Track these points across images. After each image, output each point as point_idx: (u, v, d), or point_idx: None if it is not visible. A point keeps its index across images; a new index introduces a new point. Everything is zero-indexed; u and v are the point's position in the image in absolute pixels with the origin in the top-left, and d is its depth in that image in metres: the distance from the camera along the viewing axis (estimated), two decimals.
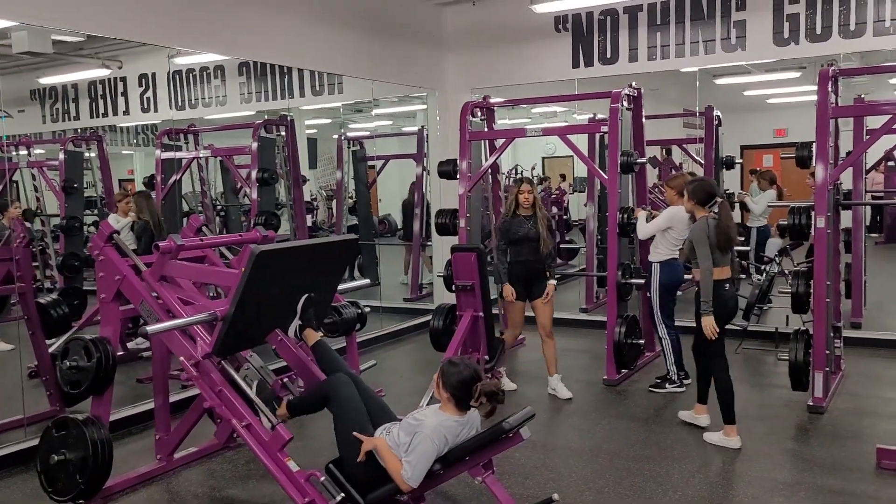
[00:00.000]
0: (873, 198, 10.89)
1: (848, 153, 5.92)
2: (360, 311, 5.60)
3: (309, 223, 10.09)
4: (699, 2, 6.73)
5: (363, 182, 9.92)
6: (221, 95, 8.90)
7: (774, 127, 11.48)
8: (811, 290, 5.15)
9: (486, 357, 5.48)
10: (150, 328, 3.52)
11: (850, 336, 6.51)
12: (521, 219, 5.51)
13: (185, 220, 8.71)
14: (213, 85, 8.83)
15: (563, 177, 13.05)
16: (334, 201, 10.28)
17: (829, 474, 4.09)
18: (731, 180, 9.38)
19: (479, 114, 6.68)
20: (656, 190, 10.30)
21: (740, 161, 8.48)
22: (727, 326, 4.60)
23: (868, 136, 6.38)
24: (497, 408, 3.27)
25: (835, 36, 6.27)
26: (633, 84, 6.22)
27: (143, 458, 4.39)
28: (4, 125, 9.71)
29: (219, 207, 8.84)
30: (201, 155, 8.33)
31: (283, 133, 7.80)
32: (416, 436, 3.20)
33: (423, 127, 9.07)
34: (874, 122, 6.49)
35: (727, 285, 4.53)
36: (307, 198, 9.92)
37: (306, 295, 3.76)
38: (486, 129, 6.77)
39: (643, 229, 5.57)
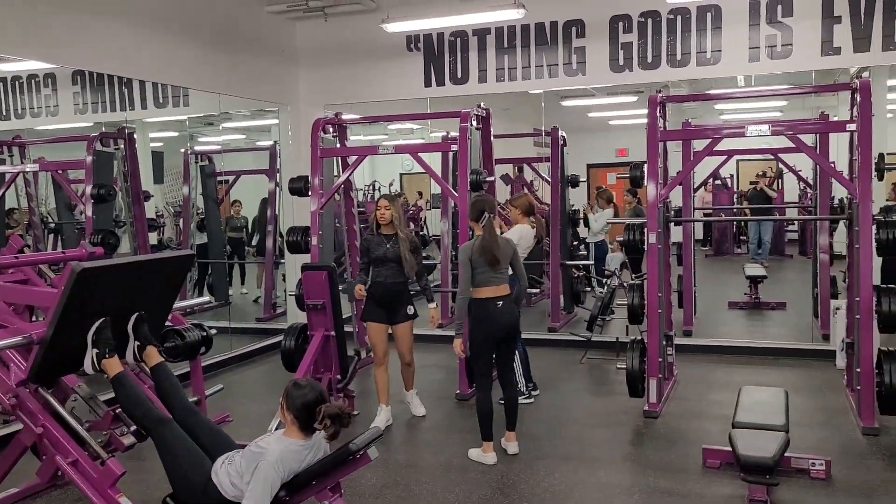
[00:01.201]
0: (705, 215, 11.85)
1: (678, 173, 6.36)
2: (204, 333, 5.36)
3: (155, 241, 9.62)
4: (543, 28, 7.03)
5: (212, 198, 9.55)
6: (52, 105, 8.30)
7: (616, 147, 12.21)
8: (645, 302, 5.48)
9: (339, 376, 5.41)
10: None
11: (682, 343, 6.99)
12: (381, 237, 5.22)
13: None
14: (44, 94, 8.22)
15: (421, 194, 13.22)
16: (182, 218, 9.85)
17: (662, 476, 4.35)
18: (577, 197, 9.85)
19: (331, 130, 6.62)
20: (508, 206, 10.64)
21: (584, 179, 8.92)
22: (523, 338, 5.00)
23: (693, 158, 6.92)
24: (341, 430, 3.22)
25: (664, 64, 6.75)
26: (482, 104, 6.39)
27: None
28: None
29: (52, 225, 8.21)
30: (28, 169, 7.71)
31: (122, 146, 7.36)
32: (258, 464, 3.09)
33: (275, 142, 8.88)
34: (702, 144, 7.08)
35: (500, 302, 4.50)
36: (153, 214, 9.43)
37: (136, 314, 3.55)
38: (338, 146, 6.71)
39: None
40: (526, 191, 9.78)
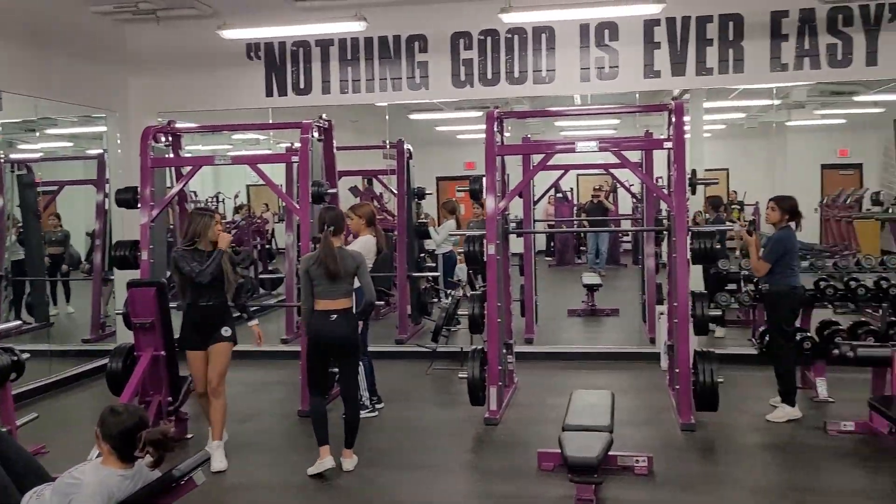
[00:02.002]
0: (548, 226, 12.38)
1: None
2: (15, 357, 4.93)
3: None
4: (386, 42, 7.08)
5: (32, 210, 8.78)
6: None
7: (464, 160, 12.51)
8: (485, 312, 5.61)
9: (170, 399, 5.12)
10: None
11: (524, 351, 7.23)
12: (195, 253, 4.66)
13: None
14: None
15: (267, 206, 12.88)
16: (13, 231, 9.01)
17: (500, 481, 4.46)
18: (430, 209, 10.00)
19: (163, 139, 6.29)
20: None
21: (430, 192, 9.04)
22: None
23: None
24: (165, 456, 3.03)
25: (503, 81, 6.99)
26: (324, 115, 6.31)
27: None
28: None
29: None
30: None
31: None
32: (72, 500, 2.84)
33: (104, 151, 8.31)
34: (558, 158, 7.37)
35: (333, 315, 4.46)
36: None
37: None
38: (171, 156, 6.39)
39: None
40: (376, 202, 9.80)
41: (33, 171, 8.81)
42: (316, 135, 6.09)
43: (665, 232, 6.20)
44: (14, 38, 6.18)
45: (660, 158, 7.70)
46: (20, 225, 9.10)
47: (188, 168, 6.30)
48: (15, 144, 11.60)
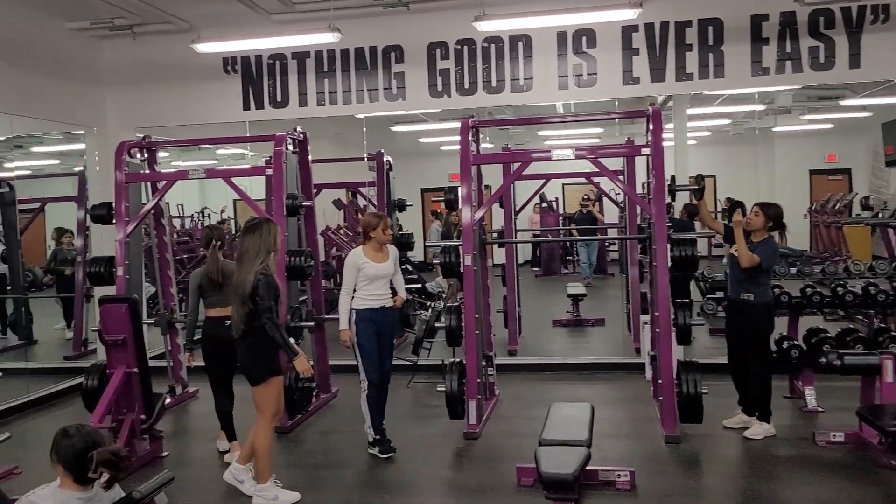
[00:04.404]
0: (534, 236, 12.33)
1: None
2: None
3: None
4: (362, 53, 7.03)
5: (12, 227, 8.72)
6: None
7: (449, 172, 12.46)
8: (463, 324, 5.53)
9: (143, 416, 5.03)
10: None
11: (506, 363, 7.16)
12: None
13: None
14: None
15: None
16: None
17: (478, 497, 4.38)
18: (408, 221, 9.92)
19: (138, 155, 6.23)
20: (341, 231, 10.56)
21: (412, 203, 8.98)
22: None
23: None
24: (118, 476, 2.95)
25: (480, 91, 6.93)
26: (298, 128, 6.26)
27: None
28: None
29: None
30: None
31: None
32: None
33: (84, 168, 8.25)
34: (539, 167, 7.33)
35: (228, 321, 4.43)
36: None
37: None
38: (146, 171, 6.33)
39: None
40: (359, 215, 9.75)
41: (14, 188, 8.76)
42: (290, 147, 6.02)
43: (647, 240, 6.14)
44: None
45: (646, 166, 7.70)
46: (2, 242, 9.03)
47: (163, 183, 6.23)
48: (1, 162, 11.57)
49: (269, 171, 5.80)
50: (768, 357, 5.33)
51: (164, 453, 5.28)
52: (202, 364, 5.15)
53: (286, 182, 5.81)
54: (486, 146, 9.20)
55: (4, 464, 4.96)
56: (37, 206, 9.48)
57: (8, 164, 11.09)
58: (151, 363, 5.47)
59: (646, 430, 5.45)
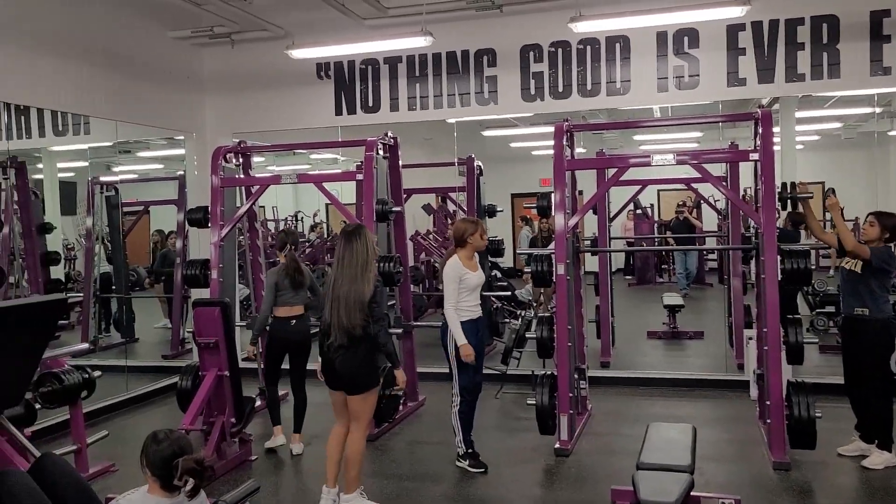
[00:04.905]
0: (627, 244, 11.92)
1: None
2: (86, 375, 4.99)
3: (63, 274, 9.11)
4: (454, 57, 6.94)
5: (117, 229, 9.09)
6: None
7: (540, 177, 12.22)
8: (555, 335, 5.32)
9: (234, 420, 5.07)
10: None
11: (599, 375, 6.89)
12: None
13: None
14: None
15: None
16: (102, 248, 9.36)
17: None
18: (497, 227, 9.74)
19: (233, 159, 6.33)
20: (430, 236, 10.50)
21: (502, 209, 8.81)
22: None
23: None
24: (201, 485, 2.92)
25: (574, 94, 6.72)
26: (389, 133, 6.21)
27: None
28: None
29: None
30: None
31: (11, 177, 6.88)
32: None
33: (184, 172, 8.51)
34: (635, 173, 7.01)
35: (294, 321, 5.34)
36: (58, 247, 8.92)
37: None
38: (241, 175, 6.42)
39: None
40: (448, 220, 9.67)
41: (119, 192, 9.13)
42: (381, 152, 5.98)
43: (753, 250, 5.77)
44: (97, 65, 6.36)
45: (748, 172, 7.27)
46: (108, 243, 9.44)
47: (257, 187, 6.31)
48: (110, 167, 12.16)
49: (360, 176, 5.76)
50: (888, 378, 4.87)
51: (253, 457, 5.31)
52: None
53: (376, 187, 5.76)
54: (579, 151, 8.98)
55: (102, 461, 5.09)
56: (140, 208, 9.86)
57: (116, 169, 11.63)
58: (243, 366, 5.54)
59: (751, 453, 5.09)
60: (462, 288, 4.76)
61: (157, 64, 7.07)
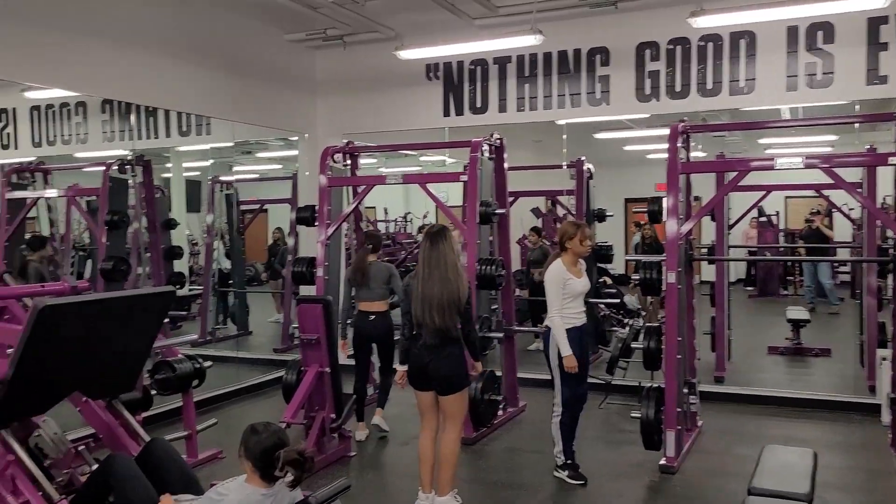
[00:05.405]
0: (749, 252, 11.27)
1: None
2: (197, 365, 5.19)
3: (186, 268, 9.64)
4: (565, 56, 6.76)
5: (236, 227, 9.49)
6: (83, 133, 8.39)
7: (655, 181, 11.75)
8: (663, 346, 5.06)
9: (333, 416, 5.13)
10: None
11: (712, 391, 6.52)
12: None
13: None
14: (74, 122, 8.32)
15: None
16: (221, 244, 9.84)
17: None
18: (608, 232, 9.44)
19: (341, 159, 6.43)
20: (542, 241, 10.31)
21: (612, 214, 8.51)
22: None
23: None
24: (303, 476, 2.94)
25: (693, 94, 6.39)
26: (495, 134, 6.11)
27: None
28: None
29: (85, 251, 8.22)
30: (47, 195, 7.74)
31: (139, 174, 7.30)
32: None
33: (296, 172, 8.78)
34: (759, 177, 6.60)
35: (372, 316, 5.62)
36: (181, 242, 9.43)
37: None
38: (348, 175, 6.52)
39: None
40: (557, 224, 9.46)
41: (237, 191, 9.54)
42: (487, 153, 5.90)
43: (891, 264, 5.28)
44: (216, 68, 6.65)
45: (888, 178, 6.68)
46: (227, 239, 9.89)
47: (363, 187, 6.38)
48: (232, 166, 12.77)
49: (464, 177, 5.71)
50: None
51: (352, 453, 5.36)
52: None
53: (480, 188, 5.69)
54: (697, 154, 8.56)
55: (210, 448, 5.28)
56: (256, 207, 10.26)
57: (234, 168, 12.16)
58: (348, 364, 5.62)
59: (881, 484, 4.65)
60: (565, 294, 4.59)
61: (273, 66, 7.31)
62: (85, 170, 8.40)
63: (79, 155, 8.63)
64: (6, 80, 6.49)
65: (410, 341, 4.14)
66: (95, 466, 3.42)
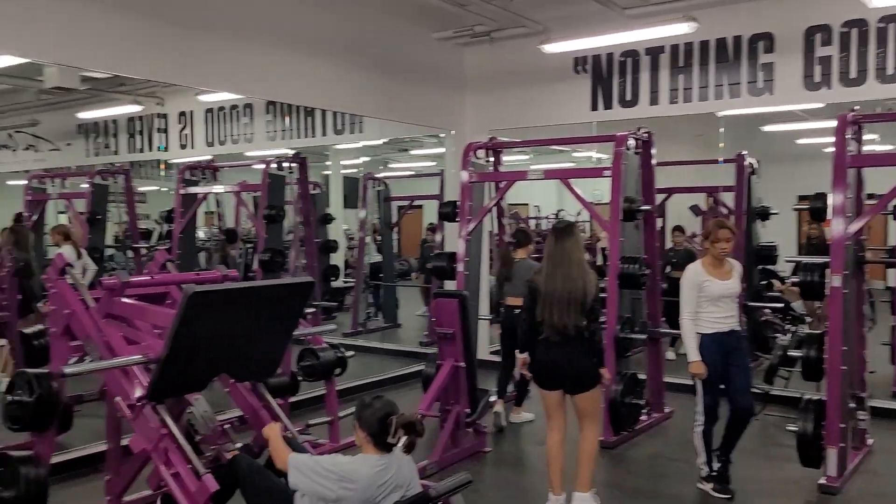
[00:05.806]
0: None
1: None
2: (340, 354, 5.38)
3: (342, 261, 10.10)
4: (724, 44, 6.35)
5: (387, 222, 9.80)
6: (249, 133, 9.01)
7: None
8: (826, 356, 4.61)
9: (468, 410, 5.13)
10: (68, 370, 3.39)
11: (888, 407, 5.92)
12: None
13: (200, 254, 8.78)
14: (242, 122, 8.97)
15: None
16: (378, 238, 10.25)
17: None
18: (776, 231, 8.78)
19: (484, 155, 6.43)
20: (695, 239, 9.79)
21: (776, 212, 7.88)
22: None
23: None
24: (416, 441, 3.03)
25: (870, 80, 5.78)
26: (642, 128, 5.85)
27: (95, 501, 4.21)
28: (52, 157, 10.11)
29: (253, 244, 8.84)
30: (214, 191, 8.37)
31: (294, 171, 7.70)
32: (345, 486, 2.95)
33: (443, 168, 8.91)
34: None
35: (517, 310, 4.99)
36: (337, 236, 9.89)
37: None
38: (491, 171, 6.50)
39: None
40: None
41: (388, 187, 9.84)
42: (632, 148, 5.66)
43: None
44: (367, 68, 6.86)
45: None
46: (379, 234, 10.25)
47: (504, 183, 6.34)
48: (387, 163, 13.24)
49: (607, 173, 5.51)
50: None
51: (487, 449, 5.34)
52: None
53: (625, 184, 5.47)
54: (883, 148, 7.79)
55: (352, 434, 5.44)
56: (406, 203, 10.55)
57: (387, 165, 12.58)
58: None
59: None
60: (702, 297, 4.32)
61: (422, 64, 7.44)
62: (254, 167, 9.05)
63: (246, 154, 9.30)
64: (185, 87, 7.11)
65: (531, 337, 4.09)
66: (239, 444, 3.63)
